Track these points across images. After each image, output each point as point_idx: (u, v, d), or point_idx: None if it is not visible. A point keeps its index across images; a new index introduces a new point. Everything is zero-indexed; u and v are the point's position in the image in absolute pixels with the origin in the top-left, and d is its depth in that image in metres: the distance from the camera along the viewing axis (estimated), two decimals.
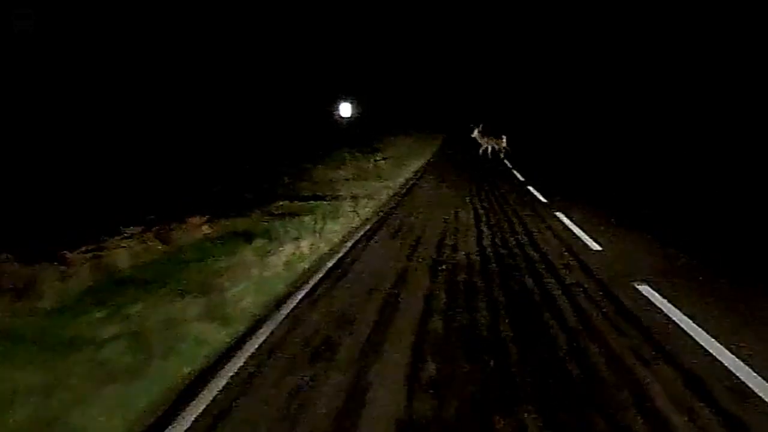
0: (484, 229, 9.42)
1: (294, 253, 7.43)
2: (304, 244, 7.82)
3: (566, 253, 7.50)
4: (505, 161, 24.47)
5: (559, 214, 10.54)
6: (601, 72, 45.56)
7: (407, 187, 16.07)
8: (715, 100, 30.21)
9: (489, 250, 7.82)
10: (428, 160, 25.30)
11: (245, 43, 35.53)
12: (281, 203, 12.16)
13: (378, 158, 23.09)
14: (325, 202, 12.25)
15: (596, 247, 7.88)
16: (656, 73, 37.07)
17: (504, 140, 25.75)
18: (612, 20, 43.67)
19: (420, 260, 7.24)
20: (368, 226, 9.72)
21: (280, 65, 39.27)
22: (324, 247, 7.95)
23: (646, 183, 16.47)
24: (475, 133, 25.72)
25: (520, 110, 57.92)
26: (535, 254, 7.53)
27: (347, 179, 16.96)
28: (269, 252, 7.47)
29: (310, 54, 42.09)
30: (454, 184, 16.69)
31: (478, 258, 7.34)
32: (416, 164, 22.46)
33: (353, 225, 9.83)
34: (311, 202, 12.32)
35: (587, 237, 8.48)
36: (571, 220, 9.99)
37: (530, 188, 15.16)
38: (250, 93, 35.18)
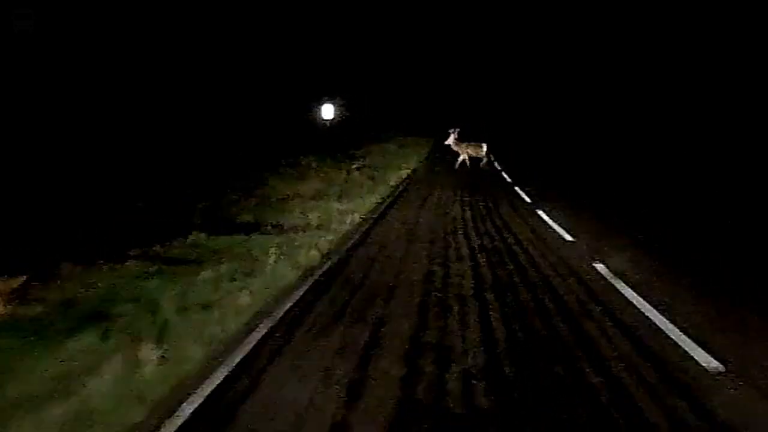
0: (491, 298, 5.75)
1: (116, 385, 3.70)
2: (155, 354, 4.08)
3: (661, 381, 3.82)
4: (503, 173, 20.88)
5: (602, 270, 6.87)
6: (592, 75, 43.09)
7: (382, 208, 12.37)
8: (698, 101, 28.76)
9: (507, 366, 4.13)
10: (412, 170, 21.63)
11: (221, 37, 31.81)
12: (193, 238, 8.44)
13: (353, 167, 19.43)
14: (258, 237, 8.54)
15: (714, 364, 4.16)
16: (644, 71, 35.13)
17: (484, 148, 22.04)
18: (602, 20, 41.46)
19: (371, 403, 3.54)
20: (302, 292, 5.99)
21: (258, 61, 35.56)
22: (193, 359, 4.19)
23: (680, 204, 12.95)
24: (450, 140, 21.88)
25: (516, 114, 54.82)
26: (592, 374, 3.86)
27: (307, 196, 13.27)
28: (81, 371, 3.76)
29: (293, 51, 38.52)
30: (442, 204, 13.04)
31: (489, 397, 3.65)
32: (398, 175, 18.77)
33: (277, 289, 6.09)
34: (238, 236, 8.60)
35: (675, 329, 4.82)
36: (625, 280, 6.34)
37: (541, 214, 11.51)
38: (221, 91, 31.37)
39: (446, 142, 22.30)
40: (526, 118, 52.43)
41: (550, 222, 10.69)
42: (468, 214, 11.78)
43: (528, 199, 14.06)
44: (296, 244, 8.07)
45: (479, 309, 5.42)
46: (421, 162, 25.46)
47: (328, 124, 38.56)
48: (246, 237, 8.59)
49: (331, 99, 39.71)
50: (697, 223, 11.01)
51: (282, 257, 7.15)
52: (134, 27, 24.52)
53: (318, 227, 9.58)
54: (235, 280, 6.11)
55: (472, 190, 15.74)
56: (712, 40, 29.11)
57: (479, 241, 8.86)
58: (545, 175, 21.06)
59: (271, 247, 7.60)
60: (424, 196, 14.53)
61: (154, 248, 7.91)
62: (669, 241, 9.11)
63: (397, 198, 14.16)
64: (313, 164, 18.73)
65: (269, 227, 9.41)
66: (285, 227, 9.59)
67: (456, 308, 5.45)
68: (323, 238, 8.57)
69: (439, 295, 5.91)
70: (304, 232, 9.12)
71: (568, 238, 9.14)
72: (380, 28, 50.99)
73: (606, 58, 41.27)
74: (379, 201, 13.54)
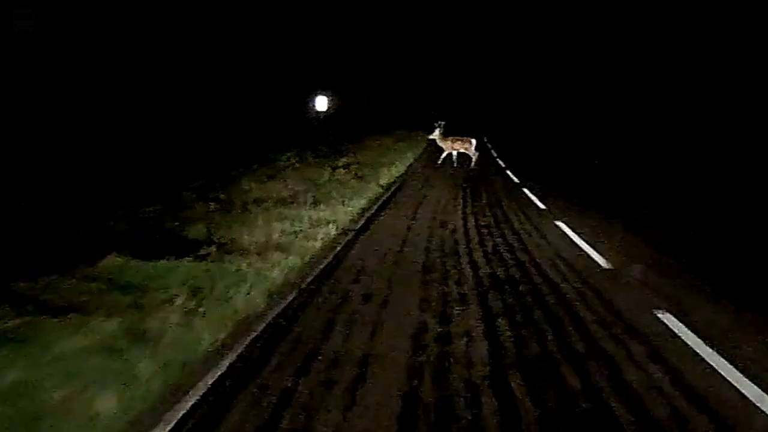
0: (519, 391, 3.56)
1: None
2: None
3: None
4: (508, 172, 18.69)
5: (683, 333, 4.69)
6: (592, 70, 41.53)
7: (367, 217, 10.17)
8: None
9: None
10: (407, 167, 19.41)
11: (214, 26, 29.57)
12: (107, 263, 6.24)
13: (340, 164, 17.20)
14: (192, 264, 6.32)
15: None
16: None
17: (473, 144, 19.61)
18: (600, 14, 40.03)
19: None
20: (212, 380, 3.76)
21: (254, 52, 33.32)
22: None
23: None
24: (436, 134, 19.46)
25: (518, 110, 52.87)
26: None
27: (278, 200, 11.05)
28: None
29: (291, 43, 36.35)
30: (439, 211, 10.85)
31: None
32: (390, 174, 16.56)
33: (175, 374, 3.86)
34: (167, 261, 6.37)
35: None
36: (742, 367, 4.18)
37: (561, 226, 9.33)
38: (209, 79, 29.11)
39: (430, 137, 19.89)
40: (528, 114, 50.43)
41: (574, 237, 8.52)
42: (471, 224, 9.59)
43: (541, 205, 11.87)
44: (238, 276, 5.87)
45: (501, 417, 3.22)
46: (417, 158, 23.20)
47: (321, 116, 36.36)
48: (178, 262, 6.37)
49: (326, 92, 37.49)
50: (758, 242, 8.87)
51: (208, 303, 4.96)
52: (131, 23, 22.71)
53: (278, 247, 7.36)
54: (116, 350, 3.91)
55: (474, 193, 13.55)
56: (712, 40, 28.15)
57: (488, 269, 6.67)
58: (553, 173, 18.88)
59: (199, 284, 5.42)
60: (419, 199, 12.33)
61: (49, 278, 5.74)
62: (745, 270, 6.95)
63: (386, 202, 11.95)
64: (294, 160, 16.50)
65: (214, 247, 7.18)
66: (236, 246, 7.38)
67: (464, 415, 3.26)
68: (279, 266, 6.36)
69: (434, 381, 3.71)
70: (259, 254, 6.90)
71: (605, 264, 6.95)
72: (381, 22, 48.88)
73: (605, 53, 39.74)
74: (365, 206, 11.34)
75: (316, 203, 10.57)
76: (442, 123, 19.43)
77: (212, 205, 10.53)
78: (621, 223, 9.98)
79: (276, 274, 6.05)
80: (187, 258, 6.59)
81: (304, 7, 37.88)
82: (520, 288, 5.89)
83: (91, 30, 20.57)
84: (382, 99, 48.37)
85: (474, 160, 19.29)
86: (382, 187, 14.08)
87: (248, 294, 5.29)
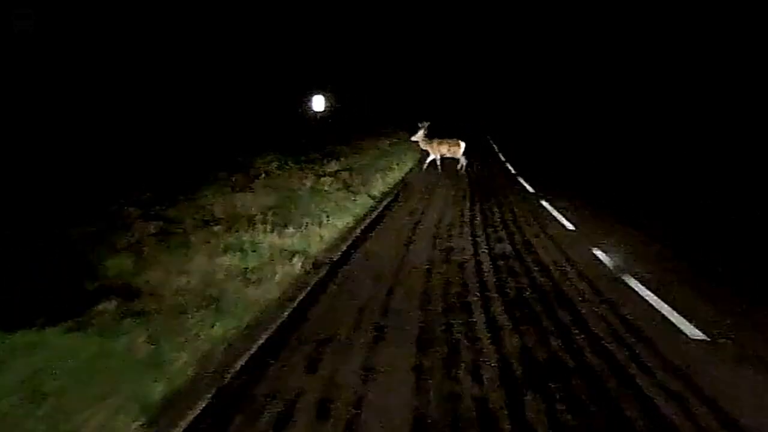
0: None
1: None
2: None
3: None
4: (519, 178, 16.38)
5: None
6: (593, 69, 39.62)
7: (349, 242, 7.93)
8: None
9: None
10: (405, 174, 17.10)
11: (212, 23, 27.50)
12: None
13: (327, 171, 14.94)
14: (55, 339, 4.08)
15: None
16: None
17: (462, 147, 17.08)
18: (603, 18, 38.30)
19: None
20: None
21: (246, 48, 31.20)
22: None
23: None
24: (419, 135, 16.94)
25: (524, 111, 50.84)
26: None
27: (239, 219, 8.78)
28: None
29: (289, 40, 34.30)
30: (442, 233, 8.60)
31: None
32: (385, 181, 14.28)
33: None
34: (26, 333, 4.13)
35: None
36: None
37: (600, 257, 7.08)
38: (198, 77, 26.95)
39: (413, 139, 17.32)
40: (533, 113, 48.29)
41: (626, 279, 6.25)
42: (484, 254, 7.33)
43: (568, 224, 9.58)
44: (120, 366, 3.64)
45: None
46: (418, 162, 20.88)
47: (318, 116, 34.11)
48: (41, 335, 4.14)
49: (323, 91, 35.24)
50: None
51: None
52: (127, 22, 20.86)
53: (213, 297, 5.13)
54: None
55: (484, 207, 11.28)
56: (713, 39, 27.03)
57: (517, 340, 4.44)
58: (569, 179, 16.58)
59: (45, 387, 3.18)
60: (417, 216, 10.06)
61: None
62: None
63: (377, 220, 9.69)
64: (275, 166, 14.24)
65: (116, 301, 4.92)
66: (153, 297, 5.14)
67: None
68: (197, 342, 4.12)
69: None
70: (180, 314, 4.66)
71: (691, 330, 4.67)
72: (384, 21, 46.72)
73: (606, 49, 37.98)
74: (350, 225, 9.11)
75: (285, 224, 8.32)
76: (427, 123, 16.86)
77: (153, 226, 8.31)
78: (676, 251, 7.74)
79: (185, 362, 3.80)
80: (65, 323, 4.37)
81: (305, 5, 35.84)
82: (574, 386, 3.64)
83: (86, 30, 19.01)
84: (384, 99, 46.21)
85: (463, 165, 16.86)
86: (373, 198, 11.82)
87: (113, 418, 3.04)
